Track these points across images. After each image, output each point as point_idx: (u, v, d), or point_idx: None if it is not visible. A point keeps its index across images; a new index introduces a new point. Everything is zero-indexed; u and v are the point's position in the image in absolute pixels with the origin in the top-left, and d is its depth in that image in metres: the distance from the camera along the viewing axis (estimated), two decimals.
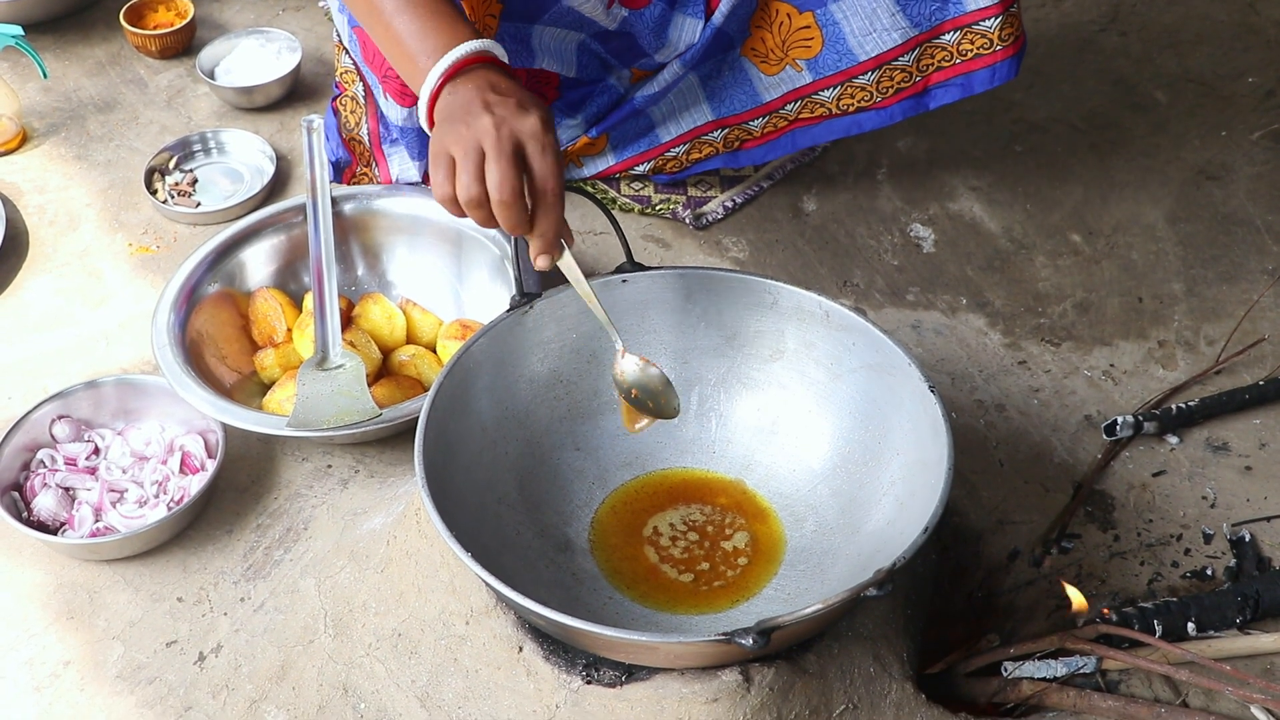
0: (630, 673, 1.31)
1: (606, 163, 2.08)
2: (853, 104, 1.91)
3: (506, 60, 1.37)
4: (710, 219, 2.11)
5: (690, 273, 1.55)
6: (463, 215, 1.33)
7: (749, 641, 1.16)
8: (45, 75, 2.25)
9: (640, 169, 2.09)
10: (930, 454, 1.35)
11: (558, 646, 1.35)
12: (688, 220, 2.09)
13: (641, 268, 1.55)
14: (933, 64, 1.85)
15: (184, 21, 2.41)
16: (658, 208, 2.11)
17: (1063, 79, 2.41)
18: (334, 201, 1.86)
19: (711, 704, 1.28)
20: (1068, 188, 2.19)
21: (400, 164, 1.98)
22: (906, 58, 1.84)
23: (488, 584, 1.25)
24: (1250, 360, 1.87)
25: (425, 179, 1.97)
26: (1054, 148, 2.27)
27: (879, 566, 1.19)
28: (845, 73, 1.87)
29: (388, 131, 1.97)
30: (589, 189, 2.12)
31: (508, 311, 1.51)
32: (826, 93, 1.90)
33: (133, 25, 2.39)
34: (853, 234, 2.10)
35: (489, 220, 1.31)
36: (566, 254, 1.35)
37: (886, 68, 1.85)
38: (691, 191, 2.13)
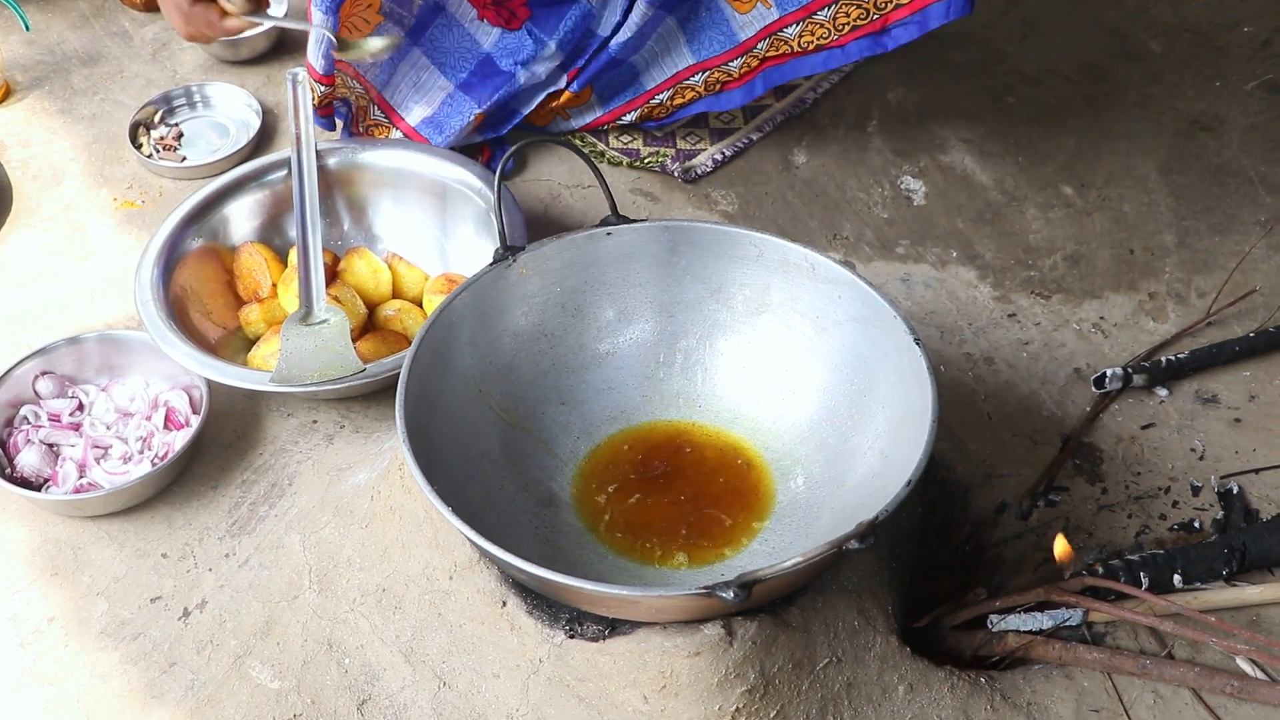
0: (613, 627, 1.31)
1: (594, 114, 2.07)
2: (813, 41, 1.94)
3: None
4: (699, 172, 2.09)
5: (675, 225, 1.54)
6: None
7: (730, 595, 1.16)
8: (28, 28, 2.23)
9: (628, 118, 2.07)
10: (915, 407, 1.34)
11: (541, 601, 1.34)
12: (677, 173, 2.08)
13: (626, 220, 1.53)
14: (891, 2, 1.87)
15: None
16: (646, 161, 2.09)
17: (1055, 30, 2.39)
18: (319, 155, 1.85)
19: (694, 657, 1.28)
20: (1060, 139, 2.17)
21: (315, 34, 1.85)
22: None
23: (469, 539, 1.24)
24: (1241, 312, 1.86)
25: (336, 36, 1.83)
26: (1047, 99, 2.25)
27: (862, 519, 1.18)
28: (805, 8, 1.91)
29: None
30: (575, 142, 2.10)
31: (491, 265, 1.49)
32: (790, 29, 1.93)
33: None
34: (843, 187, 2.08)
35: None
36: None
37: (842, 3, 1.88)
38: (680, 144, 2.12)
